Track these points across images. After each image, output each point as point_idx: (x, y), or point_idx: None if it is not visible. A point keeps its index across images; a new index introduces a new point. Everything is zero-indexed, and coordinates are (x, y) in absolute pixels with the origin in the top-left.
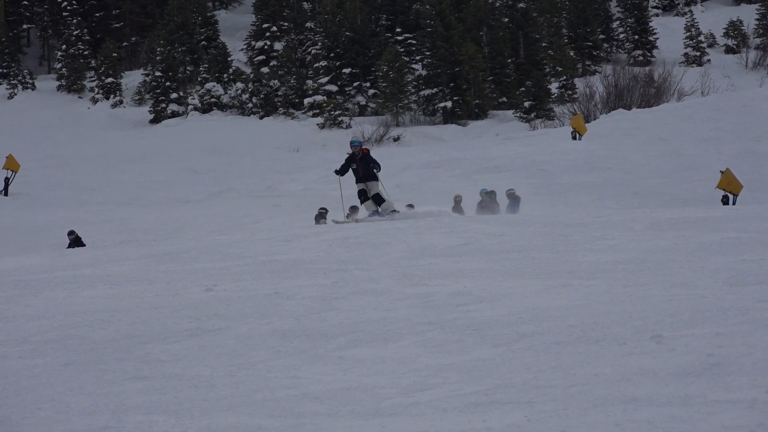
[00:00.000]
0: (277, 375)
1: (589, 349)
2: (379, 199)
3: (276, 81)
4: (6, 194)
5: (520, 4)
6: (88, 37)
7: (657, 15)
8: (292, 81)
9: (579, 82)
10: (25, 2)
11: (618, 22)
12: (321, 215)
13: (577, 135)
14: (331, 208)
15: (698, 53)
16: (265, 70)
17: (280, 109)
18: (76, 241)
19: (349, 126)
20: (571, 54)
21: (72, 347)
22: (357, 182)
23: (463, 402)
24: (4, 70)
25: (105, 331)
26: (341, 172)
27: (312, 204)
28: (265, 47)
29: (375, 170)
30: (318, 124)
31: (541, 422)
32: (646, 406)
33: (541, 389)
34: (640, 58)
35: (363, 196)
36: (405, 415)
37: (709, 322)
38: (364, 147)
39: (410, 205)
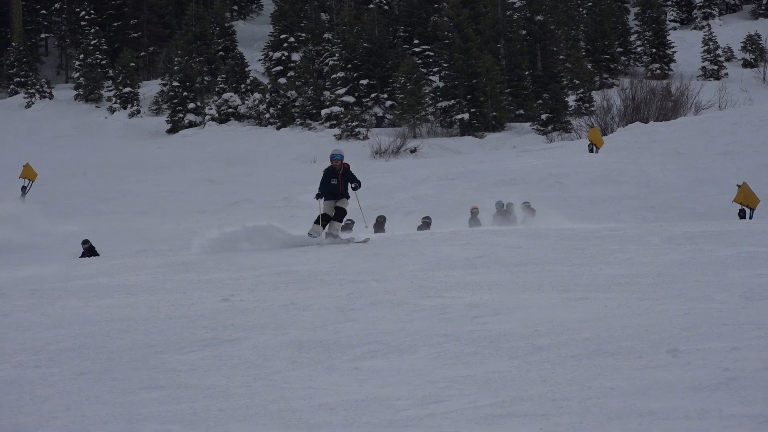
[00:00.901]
0: (292, 386)
1: (605, 362)
2: (338, 215)
3: (293, 92)
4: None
5: (538, 17)
6: (105, 47)
7: (675, 29)
8: (310, 92)
9: (596, 95)
10: (44, 11)
11: (636, 36)
12: (347, 226)
13: (594, 148)
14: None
15: (716, 67)
16: (282, 80)
17: (297, 119)
18: (89, 251)
19: (366, 137)
20: (589, 67)
21: (88, 356)
22: (328, 197)
23: (478, 414)
24: (22, 79)
25: (121, 341)
26: (322, 192)
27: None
28: (283, 58)
29: (353, 186)
30: (335, 135)
31: None
32: (662, 420)
33: (557, 402)
34: (658, 71)
35: (326, 220)
36: (420, 427)
37: (725, 337)
38: (345, 162)
39: (427, 218)
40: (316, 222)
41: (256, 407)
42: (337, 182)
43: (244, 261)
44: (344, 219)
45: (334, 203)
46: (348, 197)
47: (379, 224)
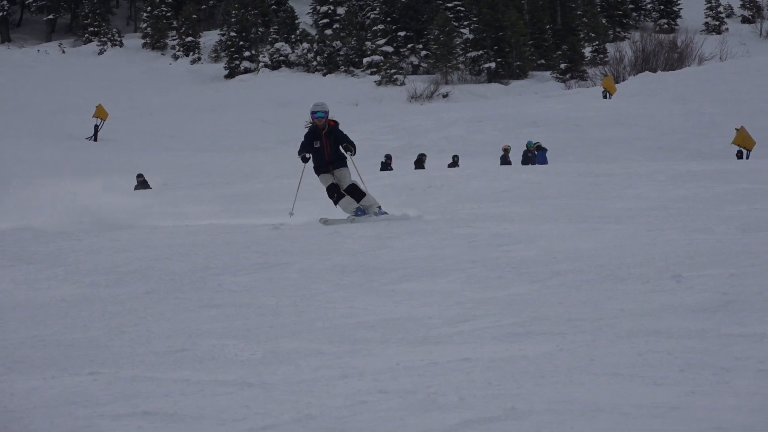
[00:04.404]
0: (335, 305)
1: (616, 286)
2: (357, 191)
3: (338, 42)
4: (95, 140)
5: None
6: (170, 0)
7: None
8: (353, 42)
9: (610, 47)
10: None
11: None
12: (388, 160)
13: (608, 94)
14: (289, 194)
15: (717, 23)
16: (328, 32)
17: (342, 67)
18: (143, 184)
19: (403, 83)
20: (604, 21)
21: (153, 278)
22: (318, 170)
23: (501, 332)
24: (96, 29)
25: (183, 264)
26: (305, 154)
27: (368, 153)
28: (329, 11)
29: (348, 152)
30: (375, 81)
31: (572, 351)
32: (666, 339)
33: (572, 322)
34: (665, 26)
35: (336, 192)
36: (450, 343)
37: (724, 264)
38: (331, 118)
39: (455, 157)
40: (332, 197)
41: (302, 324)
42: (321, 145)
43: (293, 193)
44: (365, 189)
45: (332, 176)
46: (345, 165)
47: (420, 161)
